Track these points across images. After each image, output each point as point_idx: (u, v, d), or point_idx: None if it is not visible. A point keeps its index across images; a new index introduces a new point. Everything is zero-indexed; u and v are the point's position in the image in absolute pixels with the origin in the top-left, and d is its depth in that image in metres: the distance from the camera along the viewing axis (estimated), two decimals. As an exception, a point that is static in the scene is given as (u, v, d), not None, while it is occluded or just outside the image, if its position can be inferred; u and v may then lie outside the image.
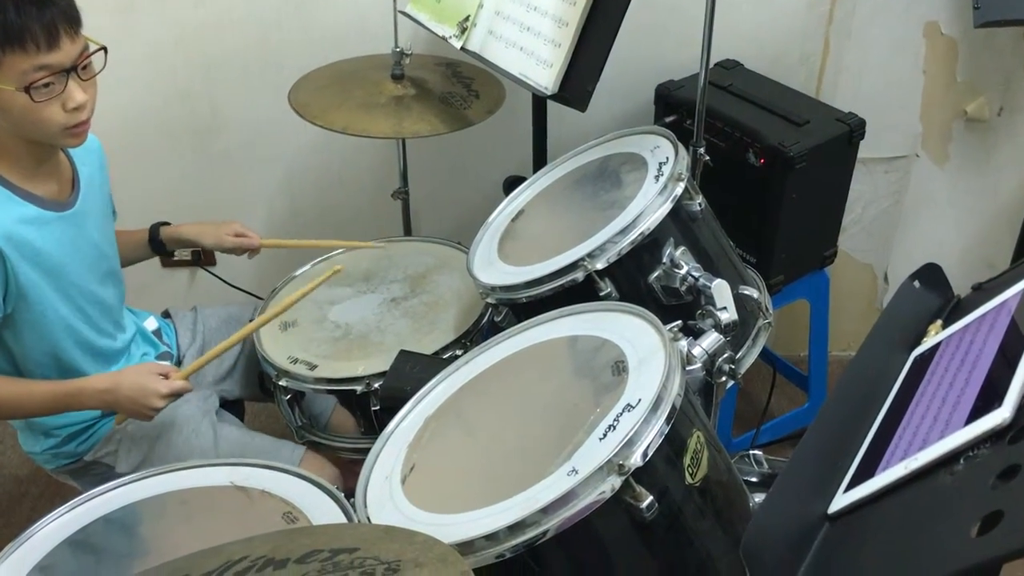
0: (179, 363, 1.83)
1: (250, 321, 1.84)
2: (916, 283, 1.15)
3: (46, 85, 1.38)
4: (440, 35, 1.87)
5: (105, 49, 1.46)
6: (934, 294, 1.16)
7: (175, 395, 1.54)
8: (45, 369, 1.57)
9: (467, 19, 1.82)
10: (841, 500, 0.91)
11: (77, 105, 1.42)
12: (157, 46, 2.20)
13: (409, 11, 1.94)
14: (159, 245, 1.84)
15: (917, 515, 0.81)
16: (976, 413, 0.85)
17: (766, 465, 1.51)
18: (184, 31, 2.19)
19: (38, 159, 1.51)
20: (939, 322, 1.11)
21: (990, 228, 2.49)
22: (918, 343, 1.11)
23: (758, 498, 1.30)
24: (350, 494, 1.24)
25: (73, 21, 1.40)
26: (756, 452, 1.52)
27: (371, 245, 1.98)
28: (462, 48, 1.83)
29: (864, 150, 2.06)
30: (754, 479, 1.49)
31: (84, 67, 1.43)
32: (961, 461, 0.81)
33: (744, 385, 2.47)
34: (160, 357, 1.79)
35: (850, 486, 0.92)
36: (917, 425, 0.92)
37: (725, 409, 2.18)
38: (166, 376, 1.54)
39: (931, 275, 1.17)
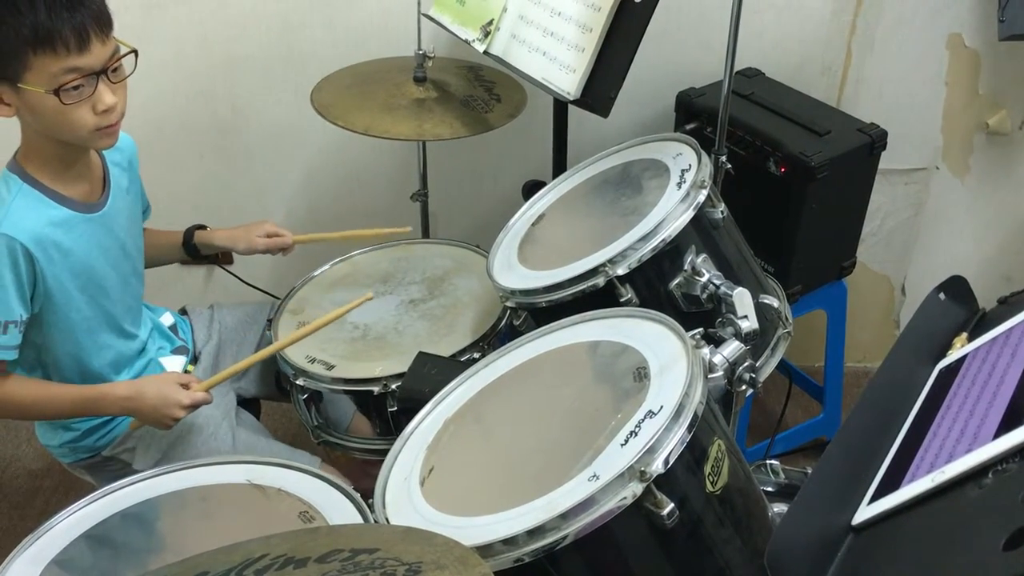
0: (195, 359, 1.83)
1: (268, 321, 1.85)
2: (941, 295, 1.15)
3: (76, 87, 1.38)
4: (463, 38, 1.87)
5: (136, 52, 1.46)
6: (959, 307, 1.16)
7: (195, 406, 1.55)
8: (67, 369, 1.59)
9: (491, 23, 1.82)
10: (866, 511, 0.91)
11: (107, 107, 1.42)
12: (180, 45, 2.21)
13: (432, 14, 1.94)
14: (193, 249, 1.85)
15: (944, 528, 0.81)
16: (1005, 427, 0.85)
17: (783, 475, 1.50)
18: (207, 30, 2.20)
19: (69, 160, 1.51)
20: (964, 335, 1.11)
21: (1009, 242, 2.48)
22: (943, 355, 1.10)
23: (776, 508, 1.29)
24: (365, 495, 1.24)
25: (104, 24, 1.39)
26: (773, 462, 1.52)
27: (400, 231, 1.95)
28: (485, 52, 1.83)
29: (884, 161, 2.05)
30: (771, 489, 1.49)
31: (114, 70, 1.43)
32: (989, 475, 0.81)
33: (759, 395, 2.46)
34: (176, 351, 1.80)
35: (875, 497, 0.92)
36: (944, 438, 0.91)
37: (740, 418, 2.18)
38: (187, 386, 1.55)
39: (956, 287, 1.16)
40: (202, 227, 1.88)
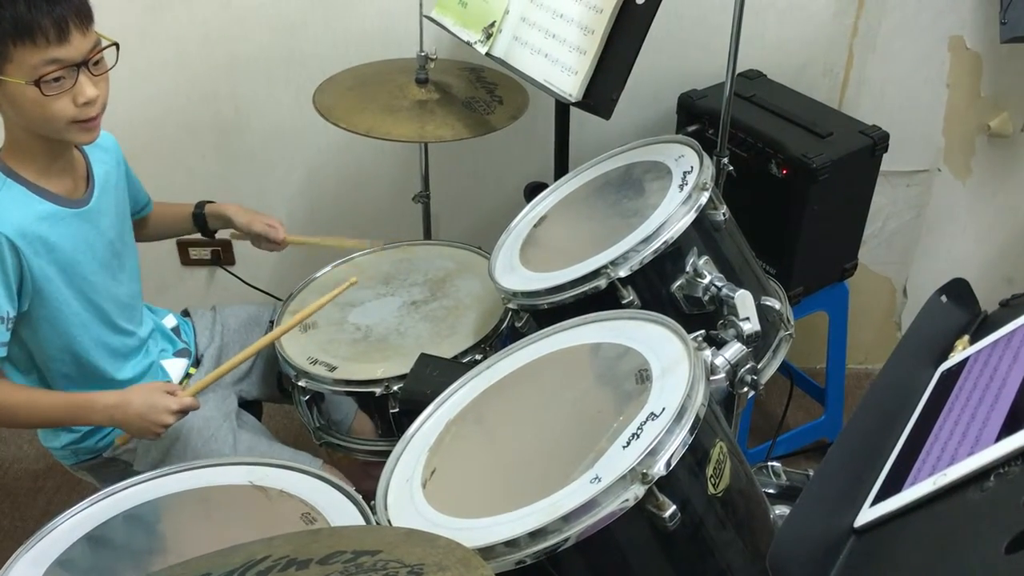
0: (197, 361, 1.83)
1: (270, 322, 1.85)
2: (943, 298, 1.15)
3: (56, 79, 1.38)
4: (465, 40, 1.87)
5: (117, 45, 1.47)
6: (961, 309, 1.16)
7: (183, 412, 1.53)
8: (62, 365, 1.58)
9: (493, 25, 1.82)
10: (868, 514, 0.91)
11: (87, 100, 1.42)
12: (183, 45, 2.21)
13: (434, 16, 1.94)
14: (201, 220, 1.86)
15: (946, 531, 0.81)
16: (1007, 430, 0.85)
17: (784, 477, 1.51)
18: (210, 31, 2.20)
19: (52, 156, 1.51)
20: (966, 337, 1.11)
21: (1010, 244, 2.48)
22: (945, 358, 1.10)
23: (777, 510, 1.29)
24: (367, 496, 1.24)
25: (84, 16, 1.40)
26: (774, 464, 1.52)
27: (381, 247, 1.96)
28: (487, 54, 1.83)
29: (886, 163, 2.05)
30: (772, 491, 1.49)
31: (96, 62, 1.43)
32: (992, 478, 0.81)
33: (761, 396, 2.46)
34: (178, 354, 1.80)
35: (877, 500, 0.92)
36: (945, 440, 0.91)
37: (741, 420, 2.18)
38: (174, 394, 1.54)
39: (958, 290, 1.16)
40: (211, 202, 1.88)
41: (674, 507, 1.04)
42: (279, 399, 1.94)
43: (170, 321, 1.84)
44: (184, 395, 1.54)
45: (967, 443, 0.88)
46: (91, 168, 1.61)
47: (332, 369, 1.70)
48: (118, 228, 1.65)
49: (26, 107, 1.40)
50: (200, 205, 1.86)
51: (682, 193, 1.49)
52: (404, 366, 1.58)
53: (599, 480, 1.06)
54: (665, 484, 1.04)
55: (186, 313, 1.92)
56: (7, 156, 1.50)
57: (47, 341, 1.55)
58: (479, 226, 2.41)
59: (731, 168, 1.82)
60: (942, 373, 1.08)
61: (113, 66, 1.47)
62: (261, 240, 1.87)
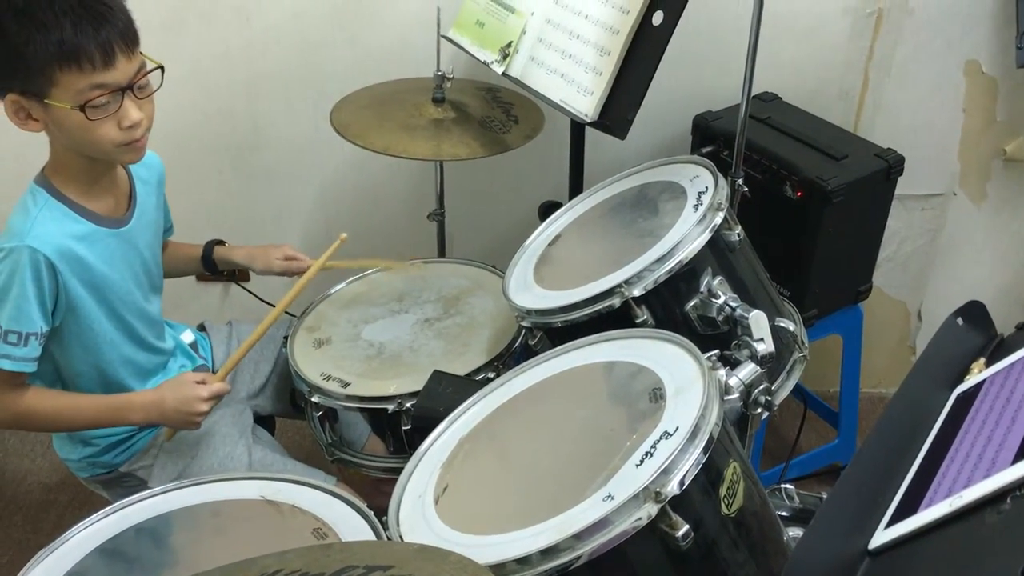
0: (213, 376, 1.84)
1: (284, 337, 1.86)
2: (959, 320, 1.14)
3: (102, 104, 1.39)
4: (482, 60, 1.88)
5: (162, 68, 1.48)
6: (977, 332, 1.15)
7: (216, 397, 1.56)
8: (88, 381, 1.59)
9: (509, 45, 1.83)
10: (882, 536, 0.90)
11: (132, 123, 1.43)
12: (201, 63, 2.23)
13: (452, 36, 1.96)
14: (211, 263, 1.87)
15: (962, 553, 0.80)
16: (1023, 452, 0.84)
17: (797, 499, 1.50)
18: (229, 49, 2.22)
19: (95, 174, 1.53)
20: (982, 360, 1.10)
21: (1026, 269, 2.47)
22: (961, 381, 1.10)
23: (791, 532, 1.29)
24: (378, 512, 1.24)
25: (130, 40, 1.41)
26: (788, 486, 1.51)
27: (409, 267, 1.98)
28: (503, 74, 1.84)
29: (901, 186, 2.05)
30: (785, 513, 1.48)
31: (140, 85, 1.44)
32: (1008, 500, 0.80)
33: (774, 418, 2.45)
34: (197, 370, 1.81)
35: (892, 522, 0.91)
36: (961, 463, 0.91)
37: (754, 441, 2.16)
38: (203, 383, 1.56)
39: (975, 312, 1.16)
40: (221, 242, 1.89)
41: (687, 527, 1.03)
42: (292, 415, 1.94)
43: (188, 336, 1.85)
44: (213, 381, 1.57)
45: (983, 465, 0.87)
46: (134, 187, 1.62)
47: (345, 385, 1.70)
48: (153, 248, 1.67)
49: (72, 130, 1.41)
50: (208, 247, 1.87)
51: (697, 213, 1.49)
52: (417, 383, 1.58)
53: (612, 498, 1.05)
54: (678, 503, 1.03)
55: (202, 328, 1.93)
56: (51, 174, 1.51)
57: (75, 357, 1.56)
58: (493, 244, 2.41)
59: (746, 189, 1.82)
60: (958, 395, 1.08)
61: (158, 88, 1.49)
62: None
